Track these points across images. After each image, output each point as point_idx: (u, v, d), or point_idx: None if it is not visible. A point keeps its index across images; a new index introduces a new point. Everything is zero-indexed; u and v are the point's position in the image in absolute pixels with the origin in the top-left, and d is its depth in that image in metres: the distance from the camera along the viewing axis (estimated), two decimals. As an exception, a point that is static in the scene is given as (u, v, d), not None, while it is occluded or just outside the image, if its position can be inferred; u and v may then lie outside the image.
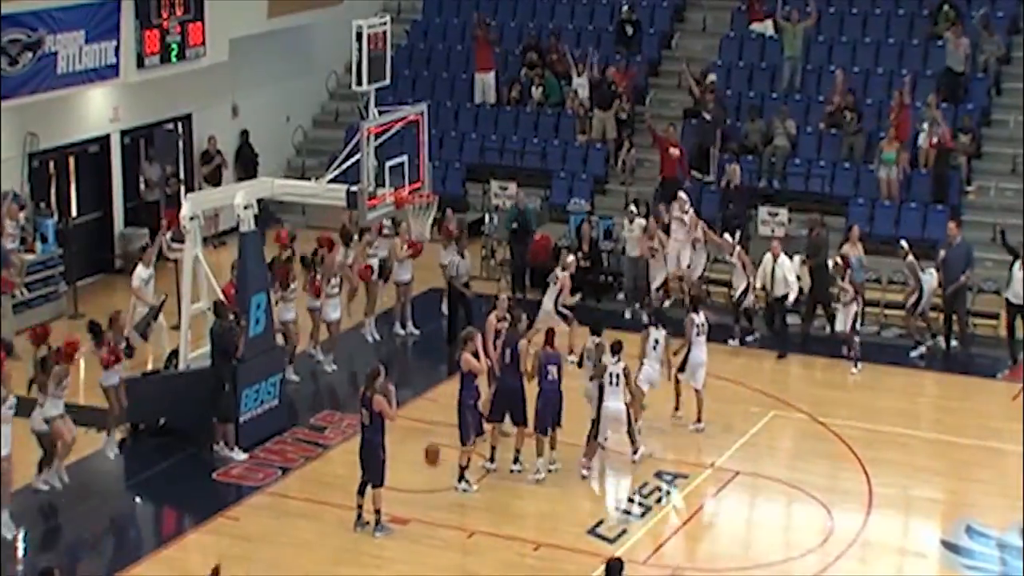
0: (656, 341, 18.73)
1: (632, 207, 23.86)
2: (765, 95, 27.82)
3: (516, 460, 17.88)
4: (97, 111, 25.32)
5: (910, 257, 21.80)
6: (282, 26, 27.93)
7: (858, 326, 21.45)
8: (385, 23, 19.37)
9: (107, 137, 25.75)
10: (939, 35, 27.54)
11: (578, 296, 22.39)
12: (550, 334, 18.02)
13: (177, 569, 15.76)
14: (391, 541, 16.23)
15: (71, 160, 25.31)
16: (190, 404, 18.37)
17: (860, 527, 16.78)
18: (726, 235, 22.74)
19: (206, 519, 16.81)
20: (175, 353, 19.41)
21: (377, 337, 22.14)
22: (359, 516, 16.40)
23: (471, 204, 27.59)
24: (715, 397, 19.77)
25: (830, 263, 21.91)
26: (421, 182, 19.53)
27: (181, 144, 27.36)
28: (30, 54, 22.26)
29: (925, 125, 25.32)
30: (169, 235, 21.06)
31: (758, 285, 22.08)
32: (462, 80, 29.87)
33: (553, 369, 17.59)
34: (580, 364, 18.30)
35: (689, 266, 22.88)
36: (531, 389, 17.79)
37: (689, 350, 19.13)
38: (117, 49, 23.86)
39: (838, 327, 21.50)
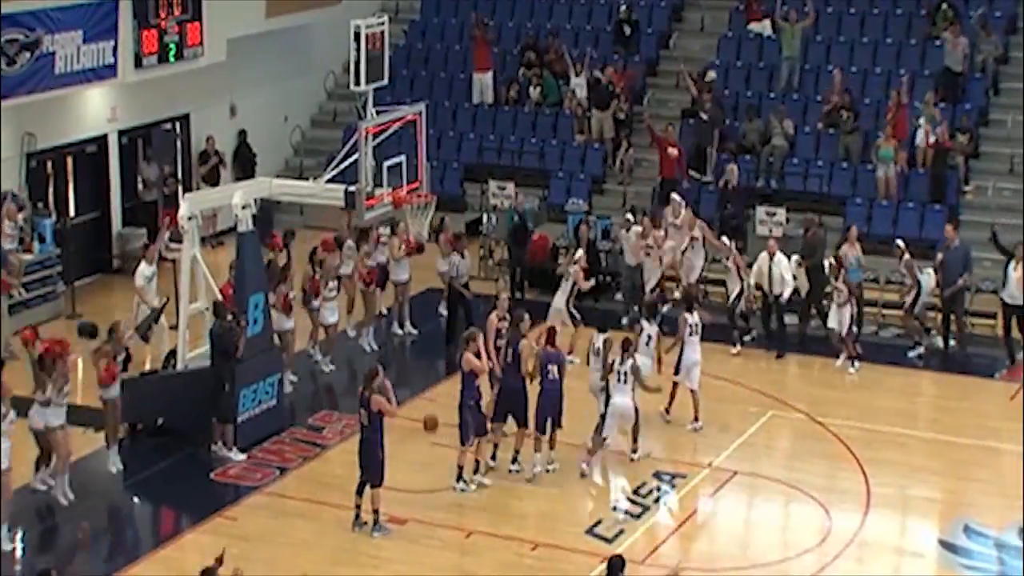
0: (648, 336, 18.78)
1: (628, 215, 23.79)
2: (763, 95, 27.84)
3: (515, 460, 17.87)
4: (95, 111, 25.32)
5: (906, 256, 21.81)
6: (280, 26, 27.93)
7: (854, 328, 21.46)
8: (383, 23, 19.36)
9: (105, 137, 25.74)
10: (937, 35, 27.58)
11: (592, 281, 22.36)
12: (551, 333, 18.03)
13: (175, 569, 15.76)
14: (389, 541, 16.23)
15: (69, 160, 25.30)
16: (188, 404, 18.37)
17: (858, 527, 16.79)
18: (723, 237, 22.74)
19: (204, 519, 16.81)
20: (173, 353, 19.41)
21: (375, 347, 22.09)
22: (357, 516, 16.40)
23: (469, 204, 27.60)
24: (713, 397, 19.78)
25: (826, 263, 21.90)
26: (419, 182, 19.52)
27: (179, 144, 27.37)
28: (28, 54, 22.25)
29: (922, 121, 25.35)
30: (168, 235, 21.06)
31: (753, 283, 22.07)
32: (460, 80, 29.87)
33: (554, 368, 17.60)
34: (588, 361, 18.33)
35: (682, 267, 22.88)
36: (532, 389, 17.79)
37: (682, 350, 19.15)
38: (115, 49, 23.86)
39: (831, 324, 21.46)
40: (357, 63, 18.85)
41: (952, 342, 22.11)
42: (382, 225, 22.07)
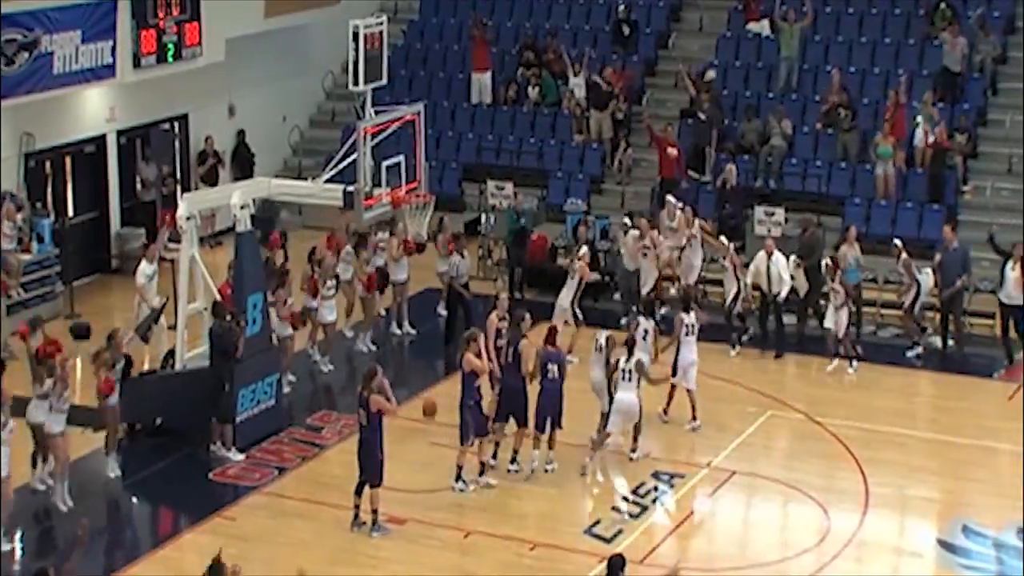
0: (645, 331, 18.79)
1: (626, 219, 23.75)
2: (761, 95, 27.84)
3: (514, 460, 17.87)
4: (93, 111, 25.32)
5: (904, 256, 21.81)
6: (278, 26, 27.93)
7: (852, 328, 21.45)
8: (382, 23, 19.37)
9: (103, 137, 25.74)
10: (935, 35, 27.59)
11: (597, 274, 22.38)
12: (552, 332, 18.03)
13: (173, 569, 15.76)
14: (388, 541, 16.22)
15: (67, 160, 25.30)
16: (187, 404, 18.37)
17: (856, 527, 16.79)
18: (722, 237, 22.73)
19: (202, 519, 16.81)
20: (171, 353, 19.41)
21: (373, 348, 22.08)
22: (356, 516, 16.39)
23: (468, 204, 27.59)
24: (712, 397, 19.79)
25: (823, 264, 21.90)
26: (418, 182, 19.53)
27: (177, 144, 27.39)
28: (26, 54, 22.25)
29: (919, 119, 25.36)
30: (166, 235, 21.07)
31: (750, 282, 22.06)
32: (459, 80, 29.87)
33: (554, 368, 17.61)
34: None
35: (680, 266, 22.88)
36: (532, 389, 17.79)
37: (679, 350, 19.15)
38: (113, 49, 23.86)
39: (827, 325, 21.44)
40: (356, 63, 18.86)
41: (951, 342, 22.12)
42: (380, 231, 22.08)
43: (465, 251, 22.43)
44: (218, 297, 18.89)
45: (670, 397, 19.33)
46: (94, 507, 17.15)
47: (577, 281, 21.45)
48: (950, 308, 21.97)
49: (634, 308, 23.03)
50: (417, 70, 30.29)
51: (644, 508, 17.15)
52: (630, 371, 17.70)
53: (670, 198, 23.67)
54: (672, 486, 17.70)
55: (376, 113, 19.26)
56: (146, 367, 20.37)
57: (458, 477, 17.34)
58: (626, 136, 27.77)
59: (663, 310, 22.19)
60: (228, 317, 18.23)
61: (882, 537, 16.73)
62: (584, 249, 22.14)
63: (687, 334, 19.15)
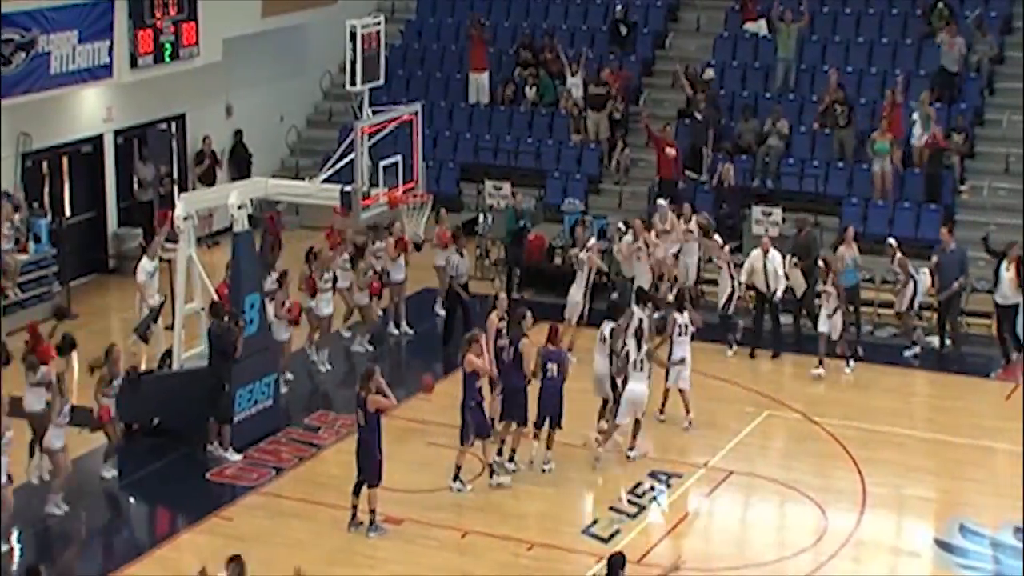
0: (640, 320, 18.78)
1: (621, 225, 23.68)
2: (759, 95, 27.85)
3: (511, 460, 17.87)
4: (90, 111, 25.31)
5: (899, 255, 21.81)
6: (276, 26, 27.92)
7: (851, 329, 21.44)
8: (379, 23, 19.35)
9: (100, 137, 25.73)
10: (933, 35, 27.59)
11: (604, 264, 22.47)
12: (553, 331, 18.02)
13: (171, 569, 15.75)
14: (385, 541, 16.22)
15: (64, 160, 25.29)
16: (184, 404, 18.36)
17: (854, 526, 16.79)
18: (716, 236, 22.71)
19: (200, 519, 16.81)
20: (168, 353, 19.40)
21: (370, 348, 22.07)
22: (353, 516, 16.39)
23: (465, 204, 27.59)
24: (709, 397, 19.80)
25: (819, 264, 21.88)
26: (415, 182, 19.52)
27: (175, 144, 27.38)
28: (23, 54, 22.23)
29: (915, 116, 25.37)
30: (164, 235, 21.06)
31: (744, 281, 22.03)
32: (456, 80, 29.87)
33: (553, 367, 17.60)
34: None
35: (677, 267, 22.87)
36: (533, 389, 17.79)
37: (671, 350, 19.14)
38: (110, 49, 23.85)
39: (821, 327, 21.36)
40: (353, 63, 18.83)
41: (948, 342, 22.13)
42: (377, 239, 22.06)
43: (464, 250, 22.41)
44: (215, 297, 18.88)
45: (665, 397, 19.33)
46: (91, 507, 17.16)
47: (586, 273, 21.43)
48: (947, 310, 21.97)
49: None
50: (414, 70, 30.28)
51: (641, 508, 17.15)
52: (642, 361, 17.73)
53: (661, 201, 23.65)
54: (669, 486, 17.70)
55: (373, 113, 19.25)
56: (144, 367, 20.36)
57: (456, 477, 17.34)
58: (623, 136, 27.78)
59: (656, 315, 22.19)
60: (226, 317, 18.22)
61: (879, 537, 16.74)
62: (594, 240, 22.13)
63: (680, 334, 19.14)
